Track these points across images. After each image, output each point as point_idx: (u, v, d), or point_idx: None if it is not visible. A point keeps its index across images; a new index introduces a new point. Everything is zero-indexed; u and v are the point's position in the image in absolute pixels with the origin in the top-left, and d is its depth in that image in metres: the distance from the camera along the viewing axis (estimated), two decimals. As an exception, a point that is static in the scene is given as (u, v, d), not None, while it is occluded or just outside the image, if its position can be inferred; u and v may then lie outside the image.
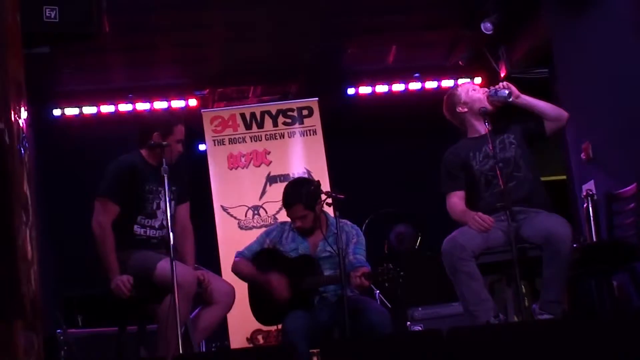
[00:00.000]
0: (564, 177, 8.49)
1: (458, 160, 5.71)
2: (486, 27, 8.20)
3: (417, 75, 9.89)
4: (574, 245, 5.41)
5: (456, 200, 5.66)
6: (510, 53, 9.15)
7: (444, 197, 5.74)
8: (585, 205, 6.26)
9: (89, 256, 5.62)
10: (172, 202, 5.53)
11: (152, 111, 9.22)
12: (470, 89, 5.78)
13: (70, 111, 9.24)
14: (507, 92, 5.52)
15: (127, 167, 5.65)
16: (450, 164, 5.75)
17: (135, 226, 5.63)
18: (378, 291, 7.42)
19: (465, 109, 5.71)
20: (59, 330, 6.80)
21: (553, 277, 5.26)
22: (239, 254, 6.20)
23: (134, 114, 9.27)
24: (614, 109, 6.94)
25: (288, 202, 6.06)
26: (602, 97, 7.12)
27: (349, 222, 6.14)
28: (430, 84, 9.87)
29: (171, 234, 5.24)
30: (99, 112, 9.30)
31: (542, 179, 5.76)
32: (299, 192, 6.01)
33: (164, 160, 5.42)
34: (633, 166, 6.61)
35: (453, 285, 5.41)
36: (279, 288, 5.91)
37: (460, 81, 5.81)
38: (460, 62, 9.68)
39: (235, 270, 6.18)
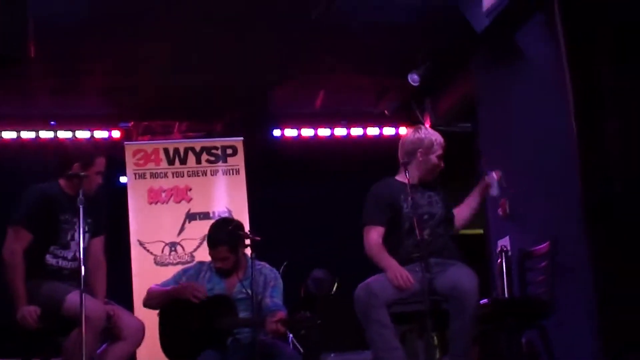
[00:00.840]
0: (481, 231, 8.57)
1: (388, 196, 5.74)
2: (413, 78, 8.27)
3: (343, 121, 9.94)
4: (485, 299, 5.46)
5: (375, 236, 5.68)
6: (435, 105, 9.25)
7: (361, 231, 5.76)
8: (499, 261, 6.32)
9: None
10: (87, 235, 5.48)
11: (74, 141, 9.06)
12: (441, 148, 5.83)
13: (-10, 134, 9.10)
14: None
15: (43, 196, 5.57)
16: (379, 196, 5.79)
17: (48, 256, 5.55)
18: (292, 335, 7.39)
19: (421, 159, 5.75)
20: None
21: (459, 330, 5.29)
22: (153, 285, 6.12)
23: (55, 141, 9.15)
24: (531, 166, 7.05)
25: (214, 242, 5.99)
26: (520, 154, 7.23)
27: (267, 265, 6.11)
28: (356, 131, 9.93)
29: (82, 267, 5.17)
30: (18, 137, 9.15)
31: (460, 232, 5.85)
32: (226, 234, 5.95)
33: (80, 191, 5.35)
34: (547, 225, 6.71)
35: (365, 332, 5.40)
36: (196, 289, 5.83)
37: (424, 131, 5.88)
38: (385, 112, 9.75)
39: (146, 297, 6.07)
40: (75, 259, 5.57)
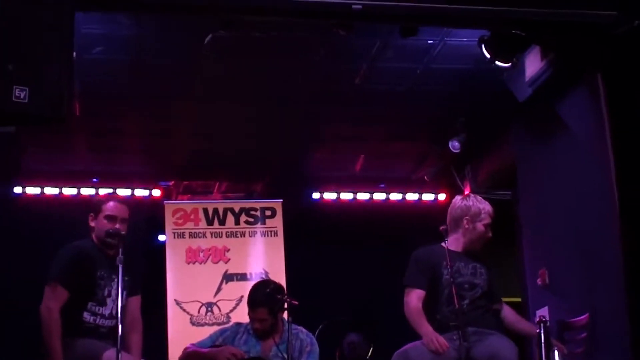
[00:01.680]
0: (519, 299, 8.50)
1: (430, 261, 5.73)
2: (454, 145, 8.30)
3: (382, 185, 9.96)
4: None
5: (415, 298, 5.67)
6: (475, 172, 9.24)
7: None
8: (537, 331, 6.26)
9: (32, 341, 5.54)
10: (124, 292, 5.48)
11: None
12: (489, 217, 5.84)
13: (32, 190, 9.17)
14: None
15: (79, 252, 5.60)
16: (421, 259, 5.79)
17: (85, 313, 5.56)
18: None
19: (467, 226, 5.75)
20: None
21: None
22: (190, 345, 6.11)
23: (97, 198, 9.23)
24: (571, 237, 7.00)
25: (254, 303, 5.97)
26: (560, 225, 7.19)
27: (304, 330, 6.08)
28: (395, 196, 9.93)
29: (120, 325, 5.18)
30: (60, 193, 9.23)
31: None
32: (266, 296, 5.93)
33: (120, 250, 5.37)
34: (586, 296, 6.64)
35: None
36: (233, 353, 5.80)
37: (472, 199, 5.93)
38: (425, 177, 9.76)
39: (184, 354, 6.03)
40: (112, 316, 5.58)
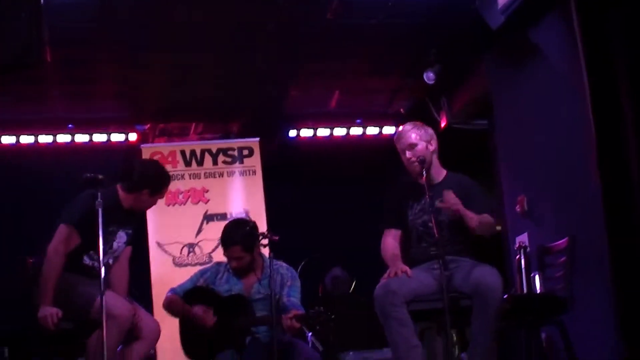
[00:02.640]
0: (498, 228, 8.56)
1: (396, 203, 5.76)
2: (428, 76, 8.27)
3: (359, 121, 9.95)
4: (504, 296, 5.45)
5: (390, 240, 5.71)
6: (451, 103, 9.24)
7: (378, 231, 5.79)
8: (517, 257, 6.31)
9: (17, 287, 5.56)
10: (124, 245, 5.72)
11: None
12: (401, 142, 5.79)
13: (7, 139, 9.11)
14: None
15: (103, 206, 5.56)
16: (389, 201, 5.81)
17: (85, 257, 5.66)
18: (310, 334, 7.41)
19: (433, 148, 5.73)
20: (-17, 362, 6.70)
21: (482, 327, 5.29)
22: (172, 291, 6.17)
23: (72, 145, 9.19)
24: (549, 163, 7.04)
25: (226, 242, 6.04)
26: (538, 151, 7.22)
27: (284, 264, 6.14)
28: (372, 130, 9.93)
29: (103, 269, 5.21)
30: (36, 142, 9.18)
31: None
32: (238, 233, 6.00)
33: (99, 194, 5.37)
34: (565, 221, 6.70)
35: (384, 330, 5.41)
36: (204, 317, 5.88)
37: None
38: (401, 110, 9.75)
39: (166, 306, 6.15)
40: (107, 265, 5.62)
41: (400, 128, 5.88)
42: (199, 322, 5.91)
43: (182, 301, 6.06)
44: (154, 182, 5.80)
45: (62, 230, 5.56)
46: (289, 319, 5.66)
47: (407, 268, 5.45)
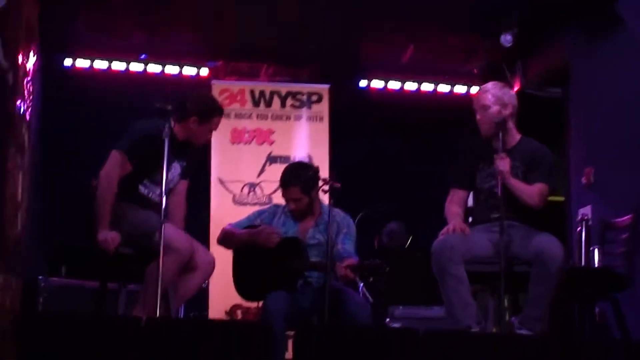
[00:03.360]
0: (562, 199, 8.47)
1: (466, 163, 5.72)
2: (506, 39, 8.15)
3: (430, 77, 9.86)
4: (563, 267, 5.41)
5: (455, 200, 5.71)
6: (526, 68, 9.12)
7: (442, 199, 5.76)
8: (578, 229, 6.24)
9: (82, 208, 5.63)
10: (178, 176, 5.73)
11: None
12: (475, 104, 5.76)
13: (82, 63, 9.19)
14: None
15: (155, 136, 5.59)
16: (460, 161, 5.79)
17: (141, 186, 5.72)
18: (362, 284, 7.42)
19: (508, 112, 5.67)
20: (40, 277, 6.80)
21: (538, 294, 5.26)
22: (228, 226, 6.21)
23: (144, 75, 9.24)
24: (620, 137, 6.94)
25: (286, 182, 6.05)
26: (610, 124, 7.12)
27: (341, 212, 6.13)
28: (443, 88, 9.84)
29: (164, 198, 5.26)
30: (109, 68, 9.25)
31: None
32: (298, 175, 6.01)
33: (166, 126, 5.41)
34: (632, 197, 6.60)
35: (439, 286, 5.40)
36: (269, 235, 5.90)
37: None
38: (475, 71, 9.65)
39: (221, 238, 6.16)
40: (161, 195, 5.67)
41: (482, 86, 5.82)
42: (263, 240, 5.92)
43: (237, 230, 6.10)
44: (201, 108, 5.82)
45: (113, 156, 5.62)
46: (343, 267, 5.66)
47: (466, 227, 5.43)
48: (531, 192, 5.49)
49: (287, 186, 6.04)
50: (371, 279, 5.89)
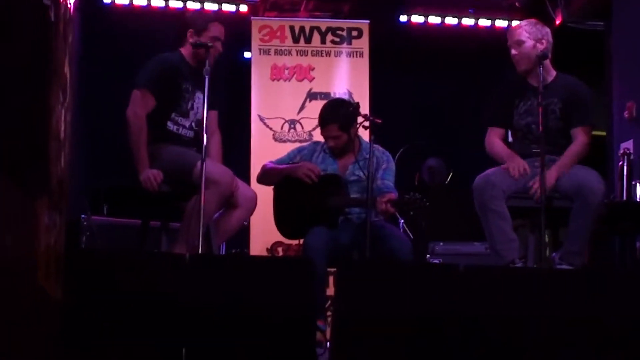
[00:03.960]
0: (604, 133, 8.41)
1: (503, 100, 5.71)
2: (548, -30, 8.06)
3: (471, 11, 9.76)
4: (604, 201, 5.40)
5: (496, 138, 5.67)
6: (568, 1, 8.99)
7: (482, 135, 5.74)
8: (620, 164, 6.21)
9: (122, 147, 5.67)
10: (203, 106, 5.51)
11: (184, 10, 9.04)
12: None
13: (121, 0, 9.19)
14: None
15: (169, 64, 5.69)
16: (496, 98, 5.76)
17: (169, 122, 5.69)
18: (402, 220, 7.44)
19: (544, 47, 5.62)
20: (83, 216, 6.88)
21: (579, 229, 5.27)
22: (268, 162, 6.23)
23: (183, 11, 9.22)
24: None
25: (324, 120, 6.05)
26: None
27: (380, 148, 6.13)
28: (484, 22, 9.73)
29: (204, 135, 5.27)
30: (149, 4, 9.24)
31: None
32: (337, 112, 5.99)
33: (207, 62, 5.41)
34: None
35: (480, 222, 5.42)
36: (310, 169, 5.92)
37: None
38: (516, 4, 9.53)
39: (261, 175, 6.19)
40: (192, 128, 5.71)
41: (516, 23, 5.79)
42: (302, 174, 5.95)
43: (276, 166, 6.13)
44: (192, 19, 5.81)
45: (135, 95, 5.60)
46: (383, 202, 5.67)
47: (527, 166, 5.40)
48: (579, 153, 5.53)
49: (325, 124, 6.04)
50: (412, 214, 5.88)
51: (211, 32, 5.70)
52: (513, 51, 5.65)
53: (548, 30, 5.73)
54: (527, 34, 5.62)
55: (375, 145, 5.90)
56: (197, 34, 5.69)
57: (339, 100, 6.66)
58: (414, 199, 5.67)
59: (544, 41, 5.61)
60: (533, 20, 5.76)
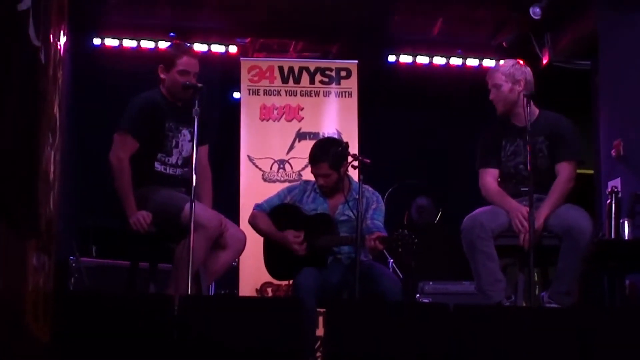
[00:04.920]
0: (591, 171, 8.45)
1: (491, 142, 5.73)
2: (535, 11, 8.13)
3: (459, 51, 9.83)
4: (593, 240, 5.41)
5: (490, 179, 5.68)
6: (555, 41, 9.07)
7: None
8: (608, 202, 6.22)
9: (110, 188, 5.66)
10: (191, 143, 5.49)
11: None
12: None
13: (110, 42, 9.22)
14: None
15: (149, 104, 5.65)
16: (485, 141, 5.78)
17: (156, 163, 5.67)
18: (392, 260, 7.45)
19: (521, 88, 5.66)
20: (71, 257, 6.86)
21: (567, 268, 5.28)
22: (258, 207, 6.22)
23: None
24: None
25: (315, 158, 6.06)
26: (640, 96, 7.07)
27: (370, 188, 6.14)
28: (472, 62, 9.79)
29: (194, 175, 5.26)
30: (138, 46, 9.28)
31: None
32: (327, 151, 6.00)
33: (196, 102, 5.41)
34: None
35: (469, 262, 5.43)
36: (296, 244, 5.93)
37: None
38: (504, 44, 9.61)
39: (253, 223, 6.20)
40: (178, 165, 5.68)
41: (493, 66, 5.82)
42: (290, 248, 5.95)
43: (270, 222, 6.11)
44: (161, 54, 5.82)
45: (116, 139, 5.59)
46: (372, 239, 5.67)
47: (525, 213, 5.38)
48: (565, 189, 5.54)
49: (315, 162, 6.05)
50: (400, 250, 5.88)
51: (180, 66, 5.66)
52: (491, 94, 5.71)
53: (527, 70, 5.76)
54: (503, 77, 5.66)
55: (365, 186, 5.91)
56: (166, 70, 5.68)
57: (329, 139, 6.70)
58: (402, 235, 5.67)
59: (521, 82, 5.64)
60: (511, 62, 5.79)
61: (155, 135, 5.63)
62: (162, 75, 5.71)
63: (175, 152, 5.69)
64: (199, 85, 5.55)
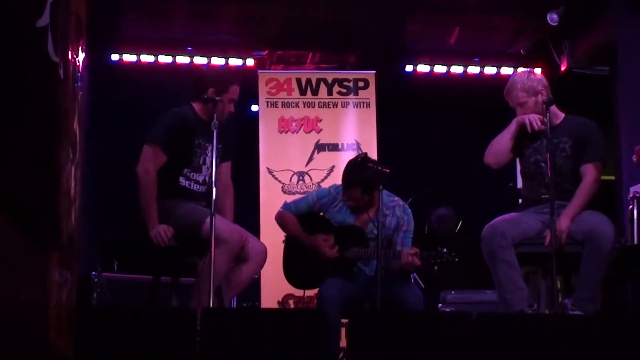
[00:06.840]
0: (612, 177, 8.41)
1: (520, 134, 5.71)
2: (552, 18, 8.11)
3: (477, 59, 9.81)
4: (615, 245, 5.38)
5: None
6: (573, 47, 9.04)
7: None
8: (630, 207, 6.19)
9: (132, 203, 5.67)
10: (217, 159, 5.54)
11: (210, 66, 9.20)
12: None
13: (128, 57, 9.27)
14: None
15: (181, 119, 5.70)
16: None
17: (181, 178, 5.69)
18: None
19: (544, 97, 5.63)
20: (93, 272, 6.88)
21: (590, 275, 5.25)
22: (286, 207, 6.23)
23: (191, 67, 9.28)
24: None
25: (347, 184, 6.03)
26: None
27: (401, 203, 6.10)
28: (489, 70, 9.78)
29: (214, 189, 5.28)
30: (156, 61, 9.31)
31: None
32: (359, 176, 5.96)
33: (215, 115, 5.45)
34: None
35: (490, 271, 5.40)
36: (327, 247, 5.91)
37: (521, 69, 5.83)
38: (521, 51, 9.59)
39: (281, 221, 6.17)
40: (205, 183, 5.72)
41: (507, 85, 5.78)
42: (320, 252, 5.94)
43: (299, 224, 6.10)
44: (215, 79, 5.82)
45: (146, 150, 5.60)
46: (410, 254, 5.65)
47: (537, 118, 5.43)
48: (591, 190, 5.51)
49: (348, 187, 6.02)
50: (436, 268, 5.87)
51: (230, 95, 5.76)
52: (518, 112, 5.68)
53: (541, 76, 5.77)
54: (524, 93, 5.65)
55: (396, 200, 5.97)
56: (218, 93, 5.69)
57: (361, 163, 6.43)
58: (441, 253, 5.68)
59: (543, 91, 5.64)
60: (524, 75, 5.76)
61: (184, 151, 5.66)
62: (211, 96, 5.68)
63: (203, 169, 5.71)
64: (217, 98, 5.57)
